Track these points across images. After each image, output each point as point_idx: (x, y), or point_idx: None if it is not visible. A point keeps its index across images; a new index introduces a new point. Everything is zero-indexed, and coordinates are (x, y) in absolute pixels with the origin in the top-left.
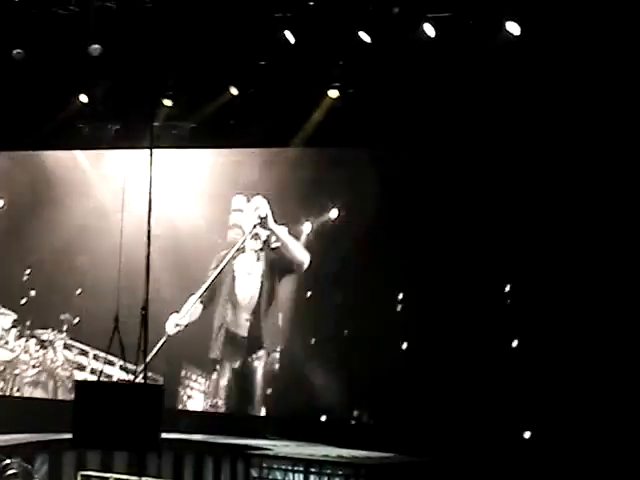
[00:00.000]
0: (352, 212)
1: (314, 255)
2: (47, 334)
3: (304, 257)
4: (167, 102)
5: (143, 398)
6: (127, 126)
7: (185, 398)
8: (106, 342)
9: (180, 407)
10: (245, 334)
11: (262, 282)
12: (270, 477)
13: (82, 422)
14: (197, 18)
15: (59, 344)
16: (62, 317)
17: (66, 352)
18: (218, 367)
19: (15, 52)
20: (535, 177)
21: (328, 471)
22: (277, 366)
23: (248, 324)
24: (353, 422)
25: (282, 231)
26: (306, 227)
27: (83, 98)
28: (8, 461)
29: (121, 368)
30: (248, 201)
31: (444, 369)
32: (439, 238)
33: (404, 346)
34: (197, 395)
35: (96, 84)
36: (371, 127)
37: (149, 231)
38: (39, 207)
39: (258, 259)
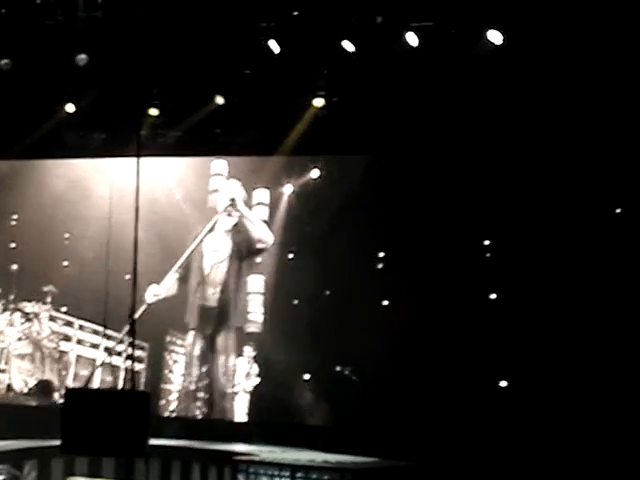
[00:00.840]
0: (333, 171)
1: (296, 215)
2: (31, 307)
3: (268, 237)
4: (153, 111)
5: (131, 404)
6: (113, 135)
7: (171, 363)
8: (91, 312)
9: (167, 371)
10: (215, 305)
11: (230, 257)
12: None
13: (70, 428)
14: (183, 28)
15: (44, 316)
16: (46, 289)
17: (51, 324)
18: (196, 336)
19: (2, 62)
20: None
21: (314, 476)
22: (260, 330)
23: (218, 296)
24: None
25: (250, 213)
26: (287, 189)
27: (69, 107)
28: None
29: (107, 337)
30: (229, 165)
31: (425, 324)
32: (419, 195)
33: (385, 303)
34: (182, 359)
35: (82, 93)
36: (356, 135)
37: (136, 237)
38: (20, 179)
39: (226, 237)
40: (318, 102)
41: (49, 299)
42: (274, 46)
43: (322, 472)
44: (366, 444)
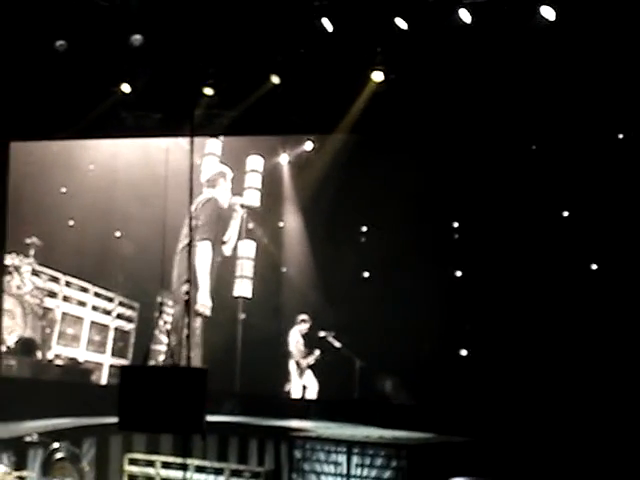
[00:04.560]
0: (325, 146)
1: (289, 186)
2: (12, 259)
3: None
4: (208, 90)
5: (188, 381)
6: (169, 115)
7: (162, 323)
8: (78, 268)
9: (157, 332)
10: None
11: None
12: (313, 458)
13: (128, 405)
14: (237, 7)
15: (26, 270)
16: (28, 241)
17: (34, 278)
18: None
19: (58, 43)
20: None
21: (370, 452)
22: (250, 294)
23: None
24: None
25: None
26: (282, 158)
27: (125, 88)
28: (56, 445)
29: (96, 295)
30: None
31: (400, 292)
32: (401, 178)
33: (365, 275)
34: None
35: (138, 74)
36: (409, 112)
37: (190, 218)
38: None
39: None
40: (377, 76)
41: (32, 252)
42: (327, 25)
43: (378, 448)
44: (422, 420)
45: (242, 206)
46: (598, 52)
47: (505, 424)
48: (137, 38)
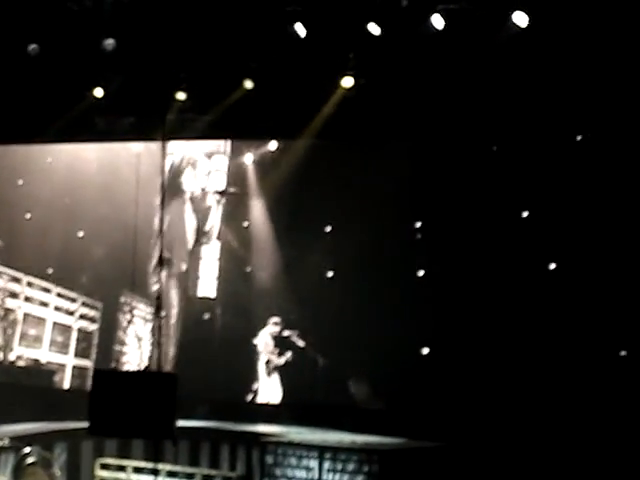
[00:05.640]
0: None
1: (254, 186)
2: None
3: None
4: (180, 95)
5: (158, 386)
6: (141, 119)
7: (125, 324)
8: (42, 268)
9: (120, 333)
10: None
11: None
12: (285, 463)
13: (98, 410)
14: (210, 12)
15: None
16: None
17: None
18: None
19: (30, 47)
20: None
21: (342, 457)
22: (214, 294)
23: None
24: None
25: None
26: (247, 158)
27: (98, 92)
28: (28, 450)
29: (58, 295)
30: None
31: (363, 292)
32: (365, 179)
33: (330, 274)
34: (138, 321)
35: (110, 78)
36: (380, 117)
37: (162, 218)
38: None
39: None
40: (347, 82)
41: None
42: (300, 30)
43: (350, 453)
44: (393, 425)
45: (222, 193)
46: (558, 57)
47: (476, 428)
48: (110, 42)
